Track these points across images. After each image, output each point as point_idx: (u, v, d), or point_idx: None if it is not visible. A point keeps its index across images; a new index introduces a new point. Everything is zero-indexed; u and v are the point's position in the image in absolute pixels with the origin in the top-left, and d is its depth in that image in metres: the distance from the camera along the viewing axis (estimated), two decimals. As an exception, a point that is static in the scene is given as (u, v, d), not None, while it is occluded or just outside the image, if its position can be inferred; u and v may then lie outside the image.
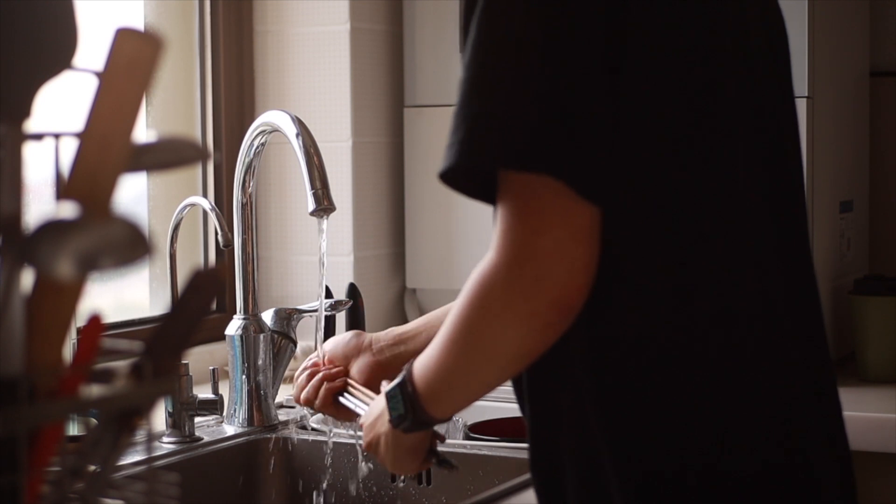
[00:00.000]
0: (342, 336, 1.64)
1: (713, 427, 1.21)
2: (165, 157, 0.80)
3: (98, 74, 0.76)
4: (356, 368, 1.60)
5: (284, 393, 2.20)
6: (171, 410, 1.93)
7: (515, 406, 1.33)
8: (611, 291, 1.20)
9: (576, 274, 1.15)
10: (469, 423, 2.03)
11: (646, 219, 1.20)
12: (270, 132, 1.98)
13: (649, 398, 1.20)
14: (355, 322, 2.31)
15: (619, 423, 1.20)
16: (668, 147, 1.21)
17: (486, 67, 1.16)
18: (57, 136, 0.78)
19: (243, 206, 2.04)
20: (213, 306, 2.51)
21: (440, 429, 1.48)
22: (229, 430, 2.03)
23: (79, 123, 0.76)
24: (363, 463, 1.92)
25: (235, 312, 2.07)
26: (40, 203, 0.80)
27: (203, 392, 1.97)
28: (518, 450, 1.85)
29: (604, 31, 1.16)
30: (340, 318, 2.27)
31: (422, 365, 1.29)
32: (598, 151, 1.16)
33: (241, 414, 2.04)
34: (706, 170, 1.22)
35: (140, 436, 0.79)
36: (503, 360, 1.21)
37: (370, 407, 1.44)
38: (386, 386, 1.34)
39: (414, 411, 1.30)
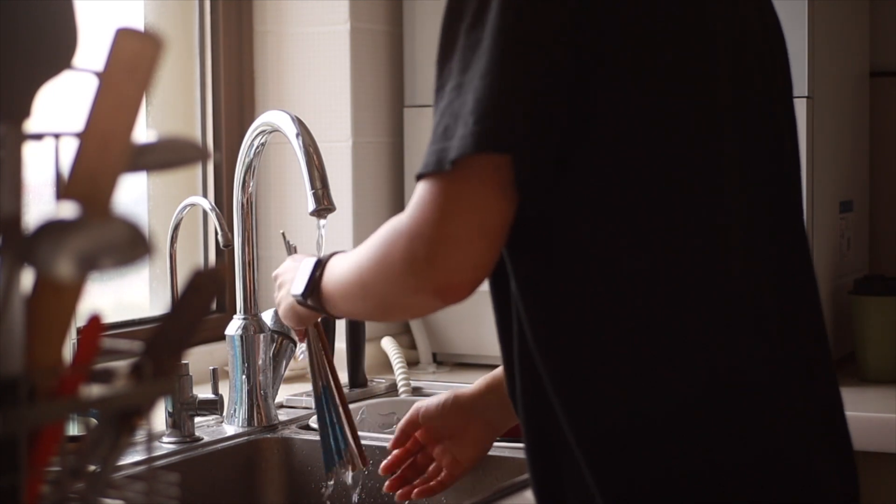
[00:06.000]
0: (435, 405, 1.63)
1: (696, 434, 1.20)
2: (165, 157, 0.80)
3: (98, 74, 0.76)
4: (448, 429, 1.62)
5: (284, 393, 2.20)
6: (171, 410, 1.93)
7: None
8: (594, 291, 1.19)
9: (466, 268, 1.16)
10: (469, 423, 2.03)
11: (634, 227, 1.19)
12: (270, 132, 1.98)
13: (626, 414, 1.19)
14: (355, 321, 2.31)
15: (594, 443, 1.20)
16: (646, 160, 1.19)
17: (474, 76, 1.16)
18: (57, 136, 0.78)
19: (243, 206, 2.05)
20: (213, 306, 2.51)
21: None
22: (229, 430, 2.03)
23: (79, 123, 0.76)
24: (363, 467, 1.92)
25: (235, 312, 2.07)
26: (40, 203, 0.80)
27: (203, 392, 1.97)
28: (518, 450, 1.85)
29: (572, 36, 1.16)
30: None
31: (332, 271, 1.36)
32: (549, 150, 1.16)
33: (241, 414, 2.04)
34: (693, 178, 1.21)
35: (140, 436, 0.79)
36: (390, 308, 1.30)
37: (299, 266, 1.49)
38: (309, 259, 1.42)
39: (312, 296, 1.39)
